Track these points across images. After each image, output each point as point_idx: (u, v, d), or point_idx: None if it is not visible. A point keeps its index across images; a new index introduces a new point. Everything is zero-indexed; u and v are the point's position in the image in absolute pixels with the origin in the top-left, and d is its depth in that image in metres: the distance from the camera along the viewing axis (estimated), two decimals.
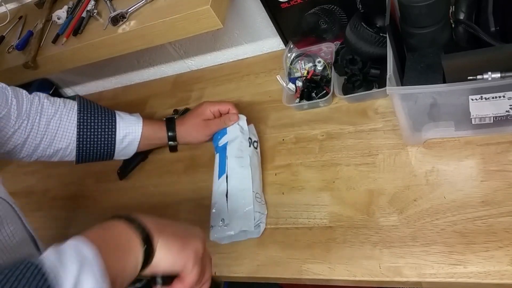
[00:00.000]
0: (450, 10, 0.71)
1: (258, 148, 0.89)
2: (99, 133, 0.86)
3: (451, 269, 0.63)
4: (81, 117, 0.85)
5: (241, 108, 1.04)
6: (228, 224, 0.78)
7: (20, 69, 0.96)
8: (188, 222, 0.89)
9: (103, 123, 0.87)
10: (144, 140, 0.90)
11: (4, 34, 1.09)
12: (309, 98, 0.93)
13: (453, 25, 0.72)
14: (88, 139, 0.86)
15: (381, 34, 0.82)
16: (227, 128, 0.89)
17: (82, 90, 1.43)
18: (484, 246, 0.63)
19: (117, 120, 0.88)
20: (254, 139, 0.89)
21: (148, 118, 0.93)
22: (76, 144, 0.85)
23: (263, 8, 0.94)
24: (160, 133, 0.92)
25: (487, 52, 0.63)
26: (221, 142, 0.88)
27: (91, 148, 0.86)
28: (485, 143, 0.72)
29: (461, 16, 0.71)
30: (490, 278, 0.60)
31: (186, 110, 1.10)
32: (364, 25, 0.83)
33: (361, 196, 0.76)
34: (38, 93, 0.87)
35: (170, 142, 0.92)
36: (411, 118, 0.71)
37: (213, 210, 0.81)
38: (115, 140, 0.87)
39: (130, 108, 1.25)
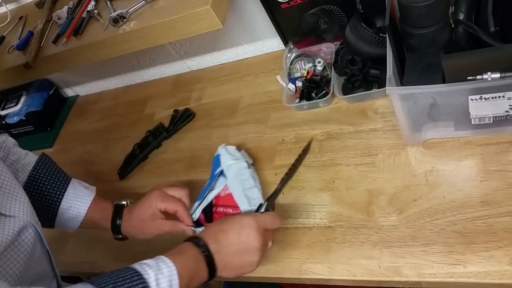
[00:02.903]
0: (450, 10, 0.71)
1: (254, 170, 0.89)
2: (45, 195, 0.78)
3: (450, 269, 0.63)
4: (34, 174, 0.78)
5: (241, 108, 1.04)
6: None
7: (20, 69, 0.96)
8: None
9: (53, 185, 0.79)
10: (88, 220, 0.81)
11: (4, 34, 1.09)
12: (309, 98, 0.93)
13: (452, 25, 0.72)
14: (32, 197, 0.76)
15: (380, 35, 0.82)
16: (220, 158, 0.87)
17: (82, 90, 1.44)
18: (483, 246, 0.63)
19: (68, 188, 0.80)
20: (250, 161, 0.89)
21: (101, 199, 0.84)
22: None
23: (263, 9, 0.94)
24: (104, 221, 0.82)
25: (487, 52, 0.63)
26: (217, 172, 0.87)
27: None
28: (484, 143, 0.72)
29: (461, 16, 0.71)
30: (489, 278, 0.60)
31: (186, 110, 1.10)
32: (364, 26, 0.83)
33: (361, 196, 0.76)
34: (7, 138, 0.82)
35: (114, 235, 0.82)
36: (411, 118, 0.72)
37: None
38: (58, 208, 0.79)
39: (130, 108, 1.26)
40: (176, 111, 1.11)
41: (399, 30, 0.74)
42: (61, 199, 0.79)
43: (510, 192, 0.66)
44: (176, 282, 0.57)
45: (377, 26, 0.86)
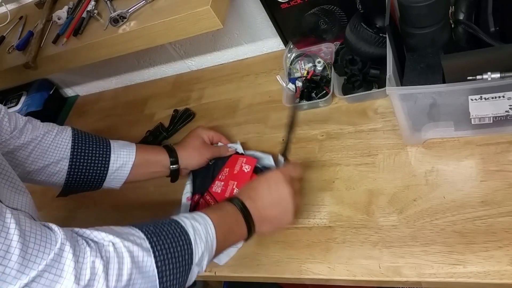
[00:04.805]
0: (450, 11, 0.71)
1: None
2: (94, 149, 0.80)
3: (450, 269, 0.63)
4: (76, 134, 0.81)
5: (241, 108, 1.04)
6: None
7: (20, 69, 0.96)
8: None
9: (98, 141, 0.82)
10: (139, 165, 0.84)
11: (4, 34, 1.09)
12: (309, 98, 0.93)
13: (452, 26, 0.72)
14: (82, 154, 0.79)
15: (380, 35, 0.82)
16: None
17: (82, 90, 1.44)
18: (483, 246, 0.63)
19: (112, 142, 0.83)
20: None
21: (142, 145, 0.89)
22: (70, 158, 0.79)
23: (263, 9, 0.94)
24: (159, 156, 0.86)
25: (487, 52, 0.63)
26: None
27: (84, 165, 0.79)
28: (484, 143, 0.72)
29: (461, 17, 0.71)
30: (489, 278, 0.60)
31: (186, 110, 1.10)
32: (364, 26, 0.83)
33: (361, 196, 0.76)
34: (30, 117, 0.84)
35: (172, 166, 0.86)
36: (411, 118, 0.72)
37: None
38: (109, 158, 0.81)
39: (130, 108, 1.26)
40: (176, 111, 1.11)
41: (399, 30, 0.74)
42: (110, 150, 0.81)
43: (510, 192, 0.66)
44: (212, 231, 0.62)
45: (377, 26, 0.86)
